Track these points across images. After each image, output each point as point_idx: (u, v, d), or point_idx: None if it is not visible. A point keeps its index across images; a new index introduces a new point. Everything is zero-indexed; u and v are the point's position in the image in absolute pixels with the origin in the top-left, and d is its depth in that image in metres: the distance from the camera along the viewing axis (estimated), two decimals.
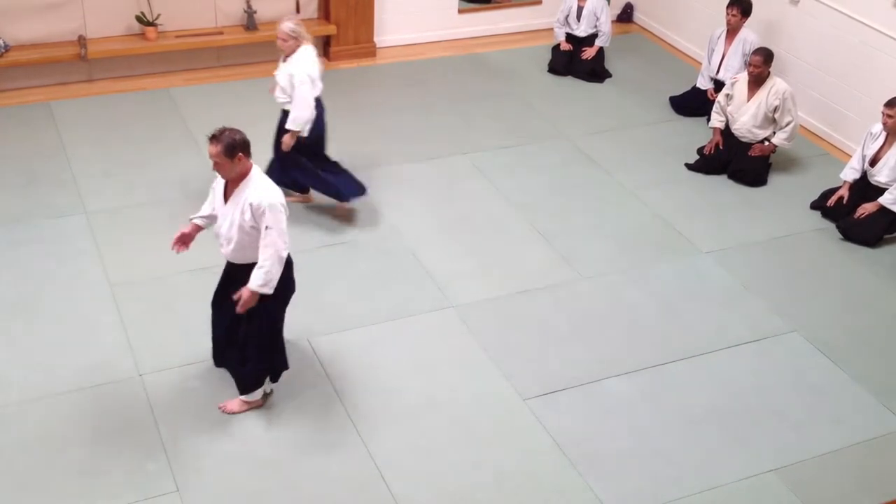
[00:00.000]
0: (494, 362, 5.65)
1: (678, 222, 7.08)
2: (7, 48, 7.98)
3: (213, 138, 4.65)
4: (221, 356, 5.32)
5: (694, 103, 8.53)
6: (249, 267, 4.78)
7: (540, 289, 6.30)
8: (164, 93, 8.22)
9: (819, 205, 7.32)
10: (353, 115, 8.20)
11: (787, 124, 7.48)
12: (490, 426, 5.23)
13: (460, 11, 9.67)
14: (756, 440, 5.26)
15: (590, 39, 9.13)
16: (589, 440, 5.18)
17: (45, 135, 7.58)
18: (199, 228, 5.05)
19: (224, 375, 5.33)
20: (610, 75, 9.18)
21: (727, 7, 8.17)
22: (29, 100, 8.05)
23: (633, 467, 5.04)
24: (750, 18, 8.19)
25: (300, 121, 6.29)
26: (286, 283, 4.94)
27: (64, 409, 5.12)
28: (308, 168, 6.57)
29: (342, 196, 6.68)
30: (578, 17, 9.08)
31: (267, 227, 4.68)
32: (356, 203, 6.81)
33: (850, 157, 7.44)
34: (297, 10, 8.93)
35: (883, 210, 6.93)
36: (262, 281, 4.73)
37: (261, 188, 4.73)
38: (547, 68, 9.23)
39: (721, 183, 7.63)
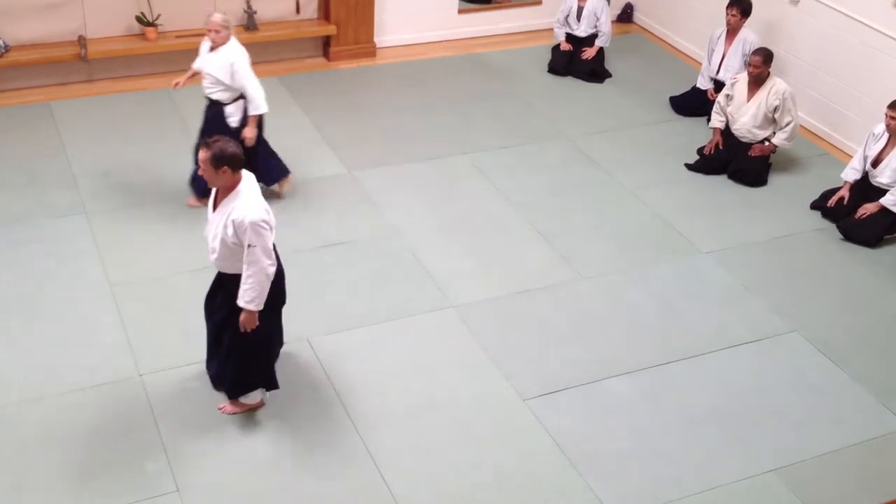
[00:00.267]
0: (494, 362, 5.65)
1: (678, 222, 7.08)
2: (7, 48, 7.98)
3: (206, 144, 4.64)
4: (209, 361, 5.32)
5: (694, 103, 8.53)
6: (237, 276, 4.76)
7: (540, 289, 6.30)
8: (164, 93, 8.21)
9: (819, 205, 7.32)
10: (353, 115, 8.20)
11: (787, 124, 7.48)
12: (490, 426, 5.22)
13: (460, 11, 9.67)
14: (756, 440, 5.26)
15: (590, 39, 9.13)
16: (589, 440, 5.17)
17: (45, 135, 7.58)
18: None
19: None
20: (610, 75, 9.18)
21: (727, 7, 8.17)
22: (29, 100, 8.05)
23: (633, 467, 5.04)
24: (750, 18, 8.19)
25: (262, 100, 6.45)
26: (275, 294, 4.91)
27: (64, 409, 5.11)
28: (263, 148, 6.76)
29: (267, 181, 6.80)
30: (578, 18, 9.08)
31: (250, 245, 4.63)
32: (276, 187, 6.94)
33: (851, 157, 7.44)
34: (298, 11, 8.93)
35: (884, 211, 6.93)
36: (248, 298, 4.73)
37: (245, 205, 4.63)
38: (547, 68, 9.23)
39: (721, 183, 7.63)
